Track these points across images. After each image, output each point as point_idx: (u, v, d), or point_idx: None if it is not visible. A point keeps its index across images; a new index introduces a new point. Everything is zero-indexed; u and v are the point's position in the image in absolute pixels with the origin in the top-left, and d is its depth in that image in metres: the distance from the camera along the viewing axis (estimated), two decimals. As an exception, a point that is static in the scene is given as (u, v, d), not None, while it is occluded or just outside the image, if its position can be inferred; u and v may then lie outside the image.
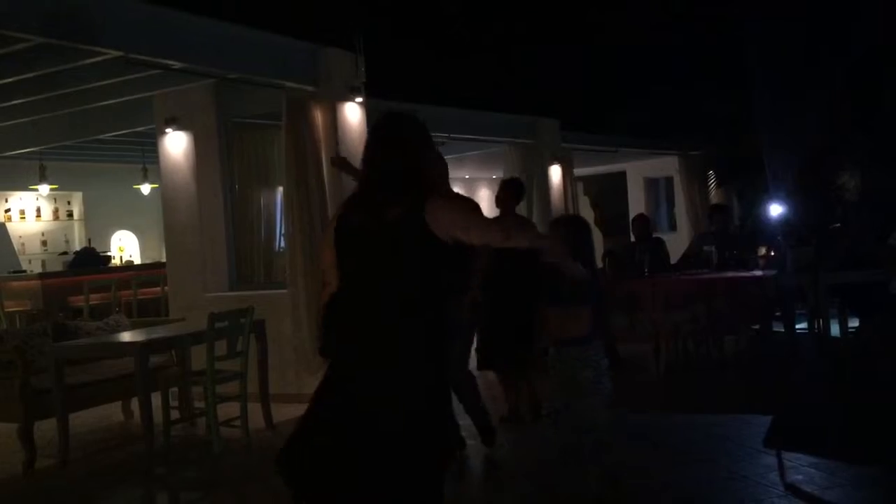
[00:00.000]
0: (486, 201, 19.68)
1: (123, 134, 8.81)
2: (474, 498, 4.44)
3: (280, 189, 7.51)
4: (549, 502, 4.22)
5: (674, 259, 8.52)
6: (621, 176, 17.46)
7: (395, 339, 2.80)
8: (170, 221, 7.80)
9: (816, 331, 8.05)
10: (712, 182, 15.39)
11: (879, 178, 12.85)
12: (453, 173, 18.48)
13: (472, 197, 20.66)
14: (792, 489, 4.06)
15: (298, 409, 6.62)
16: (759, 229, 10.83)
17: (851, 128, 13.99)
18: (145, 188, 12.00)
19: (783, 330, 7.95)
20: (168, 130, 7.61)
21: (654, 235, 8.81)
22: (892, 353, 6.63)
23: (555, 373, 3.91)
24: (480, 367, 5.71)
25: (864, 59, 13.84)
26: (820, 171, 14.10)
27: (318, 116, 6.79)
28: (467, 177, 18.14)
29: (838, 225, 10.65)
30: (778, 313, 7.89)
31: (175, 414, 5.92)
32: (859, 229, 8.33)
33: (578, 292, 3.67)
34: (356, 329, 2.86)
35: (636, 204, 16.77)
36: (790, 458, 4.58)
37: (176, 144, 7.65)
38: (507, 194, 5.88)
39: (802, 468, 4.37)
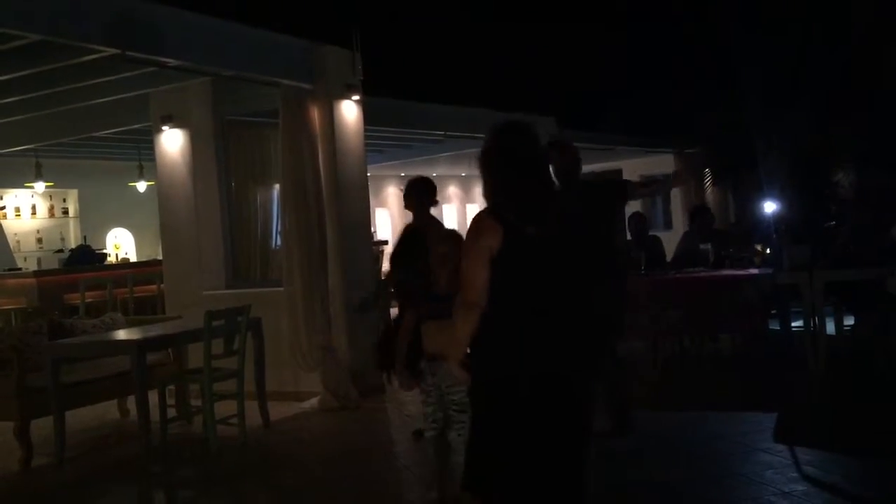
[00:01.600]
0: (480, 199, 19.72)
1: (120, 131, 8.79)
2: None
3: (277, 187, 7.50)
4: None
5: (669, 257, 8.52)
6: (617, 174, 17.47)
7: (595, 337, 3.05)
8: (166, 219, 7.78)
9: (812, 329, 8.06)
10: (708, 180, 15.43)
11: (874, 176, 12.88)
12: (449, 171, 18.54)
13: (467, 194, 20.51)
14: (789, 486, 4.07)
15: (295, 407, 6.66)
16: (755, 227, 10.86)
17: (846, 125, 14.02)
18: (141, 185, 11.98)
19: (779, 328, 7.97)
20: (164, 128, 7.60)
21: (650, 233, 8.82)
22: (888, 351, 6.65)
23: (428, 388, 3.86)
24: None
25: (857, 56, 13.87)
26: (814, 169, 14.14)
27: (315, 114, 6.79)
28: (463, 174, 18.15)
29: (833, 223, 10.67)
30: (774, 311, 7.91)
31: (171, 412, 5.92)
32: (854, 227, 8.34)
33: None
34: (559, 337, 2.89)
35: (632, 202, 16.77)
36: (786, 455, 4.60)
37: (172, 142, 7.63)
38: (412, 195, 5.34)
39: (800, 465, 4.38)
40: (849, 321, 7.84)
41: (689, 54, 15.48)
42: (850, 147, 14.07)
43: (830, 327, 7.80)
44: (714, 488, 4.27)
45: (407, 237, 5.39)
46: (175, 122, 7.56)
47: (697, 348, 7.86)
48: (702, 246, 7.90)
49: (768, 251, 8.70)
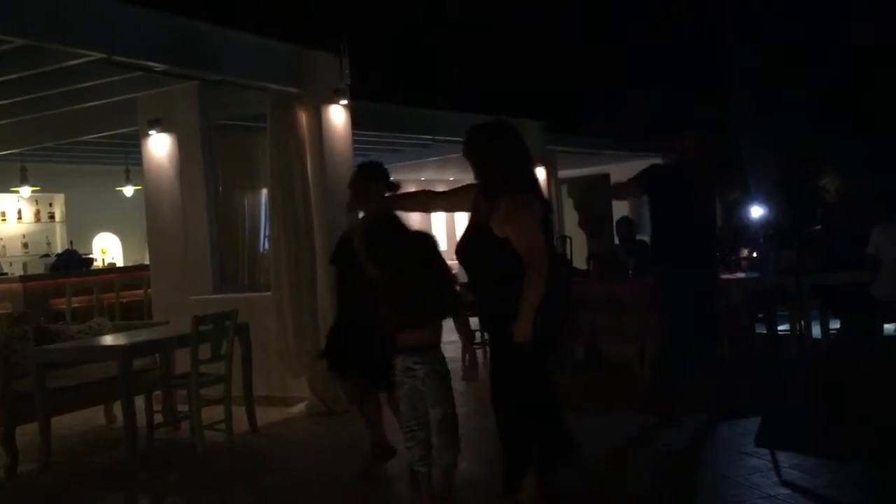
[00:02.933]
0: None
1: (106, 136, 8.76)
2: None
3: (265, 191, 7.49)
4: None
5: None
6: (605, 178, 17.53)
7: None
8: (153, 224, 7.76)
9: (798, 332, 8.12)
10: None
11: (859, 180, 12.98)
12: (437, 175, 18.56)
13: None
14: (774, 490, 4.09)
15: (283, 412, 6.65)
16: (742, 231, 10.92)
17: (832, 130, 14.13)
18: (128, 190, 11.93)
19: (765, 331, 8.02)
20: (152, 132, 7.58)
21: (637, 237, 8.86)
22: (872, 354, 6.71)
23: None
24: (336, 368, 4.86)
25: (844, 61, 13.98)
26: (801, 173, 14.24)
27: (303, 118, 6.78)
28: (451, 179, 18.16)
29: (819, 227, 10.74)
30: (760, 315, 7.96)
31: (158, 418, 5.89)
32: (840, 231, 8.41)
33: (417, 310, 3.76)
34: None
35: (620, 206, 16.85)
36: (772, 459, 4.62)
37: (159, 146, 7.61)
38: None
39: (784, 469, 4.40)
40: (834, 325, 7.90)
41: (676, 58, 15.56)
42: (837, 151, 14.18)
43: (816, 330, 7.86)
44: (699, 491, 4.29)
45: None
46: (162, 126, 7.54)
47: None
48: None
49: (755, 255, 8.76)
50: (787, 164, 14.09)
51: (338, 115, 7.03)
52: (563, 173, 14.61)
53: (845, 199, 13.37)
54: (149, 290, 8.39)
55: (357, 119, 7.38)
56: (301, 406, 6.63)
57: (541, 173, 12.05)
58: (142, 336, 5.92)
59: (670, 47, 15.65)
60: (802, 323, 8.00)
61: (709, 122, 14.16)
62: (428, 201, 4.25)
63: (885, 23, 13.36)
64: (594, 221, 17.00)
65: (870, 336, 6.86)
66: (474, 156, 3.67)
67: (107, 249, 13.69)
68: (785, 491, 4.07)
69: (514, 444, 3.61)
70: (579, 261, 10.29)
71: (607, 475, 4.57)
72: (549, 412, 3.65)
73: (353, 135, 7.33)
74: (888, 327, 6.65)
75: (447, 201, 4.14)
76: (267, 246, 7.54)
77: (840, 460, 4.56)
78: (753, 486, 4.17)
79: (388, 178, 4.58)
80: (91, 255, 12.61)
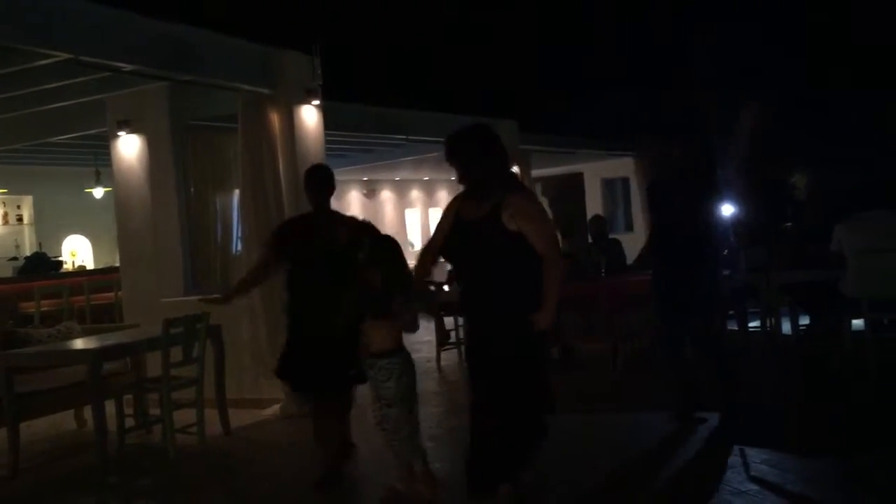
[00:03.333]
0: (444, 202, 19.72)
1: (75, 137, 8.65)
2: None
3: (236, 192, 7.44)
4: None
5: (630, 259, 8.61)
6: (579, 177, 17.64)
7: None
8: (123, 225, 7.68)
9: (768, 329, 8.22)
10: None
11: (827, 178, 13.16)
12: (412, 175, 18.53)
13: (430, 198, 20.58)
14: (745, 485, 4.14)
15: (255, 415, 6.61)
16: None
17: (801, 128, 14.30)
18: (98, 192, 11.80)
19: (736, 328, 8.10)
20: (121, 133, 7.50)
21: (610, 236, 8.91)
22: (841, 350, 6.79)
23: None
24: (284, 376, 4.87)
25: (812, 60, 14.17)
26: (771, 171, 14.40)
27: (275, 119, 6.75)
28: (426, 178, 18.16)
29: (789, 224, 10.88)
30: (731, 312, 8.03)
31: (130, 422, 5.84)
32: (808, 228, 8.53)
33: (380, 302, 3.84)
34: None
35: (593, 205, 16.97)
36: (743, 454, 4.67)
37: (129, 147, 7.54)
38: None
39: (755, 464, 4.45)
40: (804, 321, 8.00)
41: (648, 57, 15.68)
42: (806, 149, 14.36)
43: (786, 327, 7.96)
44: (670, 487, 4.32)
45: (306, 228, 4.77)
46: (132, 127, 7.47)
47: (656, 350, 7.94)
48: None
49: (726, 252, 8.84)
50: (757, 161, 14.25)
51: (310, 116, 7.00)
52: (536, 172, 14.67)
53: (815, 197, 13.57)
54: (119, 293, 8.30)
55: (331, 119, 7.35)
56: (275, 408, 6.59)
57: (515, 172, 12.10)
58: (112, 339, 5.85)
59: (643, 47, 15.76)
60: (772, 319, 8.11)
61: (680, 122, 14.34)
62: (426, 259, 3.95)
63: (856, 22, 13.57)
64: (567, 220, 17.09)
65: (838, 332, 6.95)
66: (461, 159, 3.68)
67: (77, 252, 13.53)
68: (754, 486, 4.11)
69: (517, 439, 3.61)
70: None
71: (578, 472, 4.59)
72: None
73: (326, 135, 7.31)
74: (856, 323, 6.73)
75: (435, 239, 3.89)
76: (240, 247, 7.49)
77: (809, 455, 4.62)
78: (724, 481, 4.21)
79: (325, 182, 4.74)
80: (61, 258, 12.46)
